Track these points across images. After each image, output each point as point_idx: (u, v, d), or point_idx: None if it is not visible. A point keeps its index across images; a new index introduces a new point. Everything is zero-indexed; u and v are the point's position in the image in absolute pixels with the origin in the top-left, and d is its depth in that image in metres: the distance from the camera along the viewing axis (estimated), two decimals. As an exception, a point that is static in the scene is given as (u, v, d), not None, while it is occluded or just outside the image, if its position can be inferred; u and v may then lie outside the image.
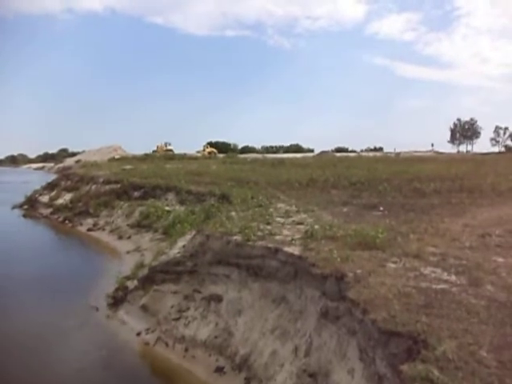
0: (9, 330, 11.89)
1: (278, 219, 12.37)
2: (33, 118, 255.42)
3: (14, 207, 36.75)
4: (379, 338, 5.41)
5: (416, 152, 64.02)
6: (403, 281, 6.57)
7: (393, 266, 7.42)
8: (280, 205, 15.09)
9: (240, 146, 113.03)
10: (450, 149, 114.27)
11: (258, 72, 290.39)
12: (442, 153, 68.79)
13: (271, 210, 14.00)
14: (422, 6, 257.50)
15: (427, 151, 68.89)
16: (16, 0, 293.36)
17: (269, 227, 11.20)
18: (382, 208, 13.57)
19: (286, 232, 10.65)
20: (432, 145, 78.17)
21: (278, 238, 10.16)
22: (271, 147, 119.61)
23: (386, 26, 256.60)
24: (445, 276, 6.80)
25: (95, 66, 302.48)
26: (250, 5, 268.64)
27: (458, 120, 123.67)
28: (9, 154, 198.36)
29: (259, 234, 10.52)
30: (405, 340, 4.98)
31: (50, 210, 33.49)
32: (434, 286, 6.32)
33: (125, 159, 60.65)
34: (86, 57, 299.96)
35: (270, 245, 9.63)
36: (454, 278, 6.70)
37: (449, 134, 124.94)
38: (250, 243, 10.09)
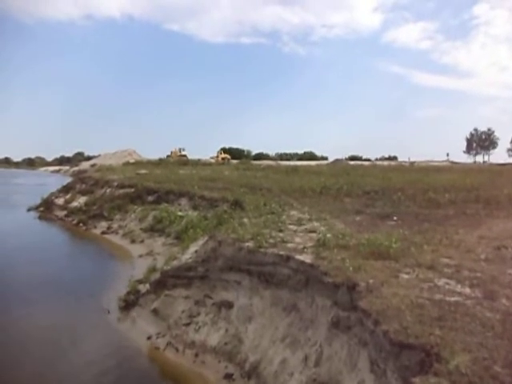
0: (20, 332, 12.01)
1: (291, 227, 12.34)
2: (50, 121, 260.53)
3: (29, 209, 37.34)
4: (391, 350, 5.34)
5: (431, 162, 63.47)
6: (416, 292, 6.49)
7: (406, 276, 7.33)
8: (293, 212, 15.05)
9: (254, 153, 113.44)
10: (466, 159, 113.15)
11: (273, 79, 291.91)
12: (457, 163, 68.02)
13: (284, 217, 13.97)
14: (438, 15, 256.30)
15: (443, 161, 68.23)
16: (37, 6, 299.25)
17: (281, 234, 11.17)
18: (395, 218, 13.44)
19: (298, 240, 10.62)
20: (447, 155, 77.69)
21: (290, 245, 10.13)
22: (285, 154, 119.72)
23: (403, 34, 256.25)
24: (459, 288, 6.70)
25: (113, 71, 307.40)
26: (266, 13, 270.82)
27: (475, 130, 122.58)
28: (26, 156, 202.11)
29: (271, 241, 10.51)
30: (417, 352, 4.91)
31: (64, 213, 33.90)
32: (447, 298, 6.22)
33: (139, 164, 61.32)
34: (104, 63, 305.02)
35: (281, 252, 9.60)
36: (468, 290, 6.60)
37: (465, 144, 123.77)
38: (261, 250, 10.07)
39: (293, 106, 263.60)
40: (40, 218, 34.45)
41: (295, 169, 38.83)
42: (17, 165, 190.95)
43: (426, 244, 9.40)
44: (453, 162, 67.91)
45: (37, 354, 10.75)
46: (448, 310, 5.80)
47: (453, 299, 6.20)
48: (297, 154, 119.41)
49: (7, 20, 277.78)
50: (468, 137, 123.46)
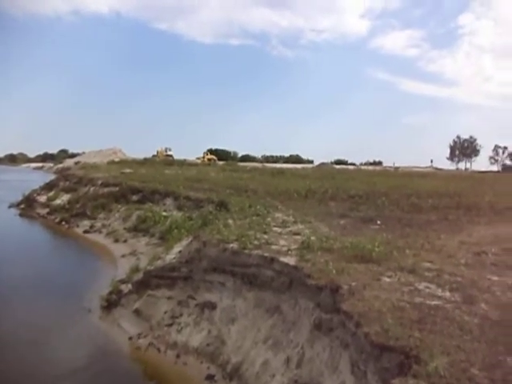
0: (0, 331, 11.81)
1: (275, 229, 12.38)
2: (34, 117, 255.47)
3: (10, 206, 36.69)
4: (372, 352, 5.40)
5: (415, 167, 64.34)
6: (397, 295, 6.58)
7: (388, 280, 7.43)
8: (278, 214, 15.11)
9: (240, 155, 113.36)
10: (449, 166, 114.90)
11: (260, 82, 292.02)
12: (441, 169, 69.10)
13: (269, 219, 14.02)
14: (425, 23, 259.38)
15: (426, 167, 69.23)
16: (28, 0, 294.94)
17: (265, 236, 11.21)
18: (379, 222, 13.61)
19: (282, 242, 10.67)
20: (431, 161, 78.65)
21: (274, 247, 10.17)
22: (271, 157, 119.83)
23: (390, 41, 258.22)
24: (439, 292, 6.82)
25: (99, 69, 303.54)
26: (255, 15, 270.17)
27: (458, 137, 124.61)
28: (8, 152, 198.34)
29: (256, 242, 10.53)
30: (397, 354, 4.98)
31: (47, 210, 33.41)
32: (427, 302, 6.33)
33: (124, 162, 60.66)
34: (91, 60, 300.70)
35: (266, 254, 9.64)
36: (448, 294, 6.72)
37: (448, 150, 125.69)
38: (246, 251, 10.09)
39: (280, 108, 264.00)
40: (21, 215, 33.86)
41: (281, 171, 38.95)
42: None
43: (408, 248, 9.54)
44: (436, 169, 68.95)
45: (16, 352, 10.56)
46: (428, 313, 5.90)
47: (433, 303, 6.30)
48: (283, 157, 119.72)
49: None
50: (451, 144, 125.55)
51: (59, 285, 16.19)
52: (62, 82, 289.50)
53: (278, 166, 59.16)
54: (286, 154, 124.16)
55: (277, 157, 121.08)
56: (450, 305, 6.25)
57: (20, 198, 37.87)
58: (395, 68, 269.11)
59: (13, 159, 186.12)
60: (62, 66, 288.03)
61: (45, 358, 10.49)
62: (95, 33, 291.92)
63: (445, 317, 5.77)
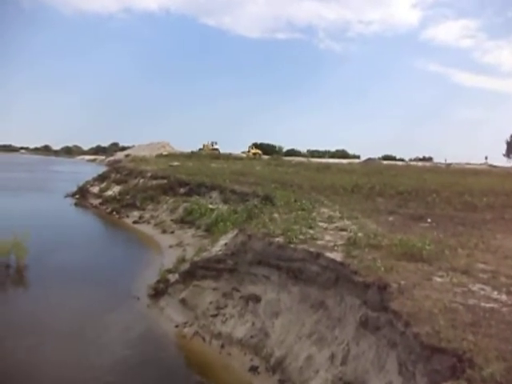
0: (53, 315, 12.47)
1: (321, 224, 12.26)
2: (88, 112, 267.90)
3: (66, 196, 38.67)
4: (421, 353, 5.24)
5: (468, 164, 61.50)
6: (450, 296, 6.34)
7: (439, 280, 7.18)
8: (323, 210, 14.95)
9: (285, 149, 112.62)
10: (506, 163, 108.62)
11: (307, 75, 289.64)
12: (496, 166, 65.59)
13: (314, 214, 13.90)
14: (481, 12, 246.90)
15: (480, 164, 65.95)
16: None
17: (311, 231, 11.13)
18: (429, 220, 13.13)
19: (328, 237, 10.55)
20: (486, 157, 74.26)
21: (320, 242, 10.08)
22: (317, 151, 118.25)
23: (443, 32, 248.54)
24: (495, 295, 6.51)
25: (148, 64, 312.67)
26: (302, 8, 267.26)
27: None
28: (64, 145, 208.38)
29: (301, 237, 10.48)
30: (449, 357, 4.81)
31: (99, 201, 34.90)
32: (482, 304, 6.06)
33: (172, 156, 62.14)
34: (141, 56, 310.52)
35: (311, 249, 9.57)
36: (504, 297, 6.40)
37: (505, 147, 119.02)
38: (291, 246, 10.07)
39: (326, 102, 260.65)
40: (76, 204, 35.63)
41: (327, 166, 38.46)
42: (55, 153, 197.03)
43: (461, 248, 9.16)
44: (491, 166, 65.51)
45: (65, 340, 11.08)
46: (482, 316, 5.65)
47: (488, 305, 6.03)
48: (328, 152, 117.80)
49: (48, 11, 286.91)
50: (508, 140, 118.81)
51: (110, 272, 16.92)
52: (113, 78, 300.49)
53: (323, 160, 58.43)
54: (332, 149, 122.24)
55: (322, 151, 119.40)
56: (506, 308, 5.95)
57: (75, 188, 39.80)
58: (448, 60, 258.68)
59: (68, 151, 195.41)
60: (114, 62, 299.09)
61: (95, 344, 10.95)
62: (145, 29, 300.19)
63: (501, 320, 5.51)
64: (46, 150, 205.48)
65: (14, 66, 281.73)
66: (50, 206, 35.19)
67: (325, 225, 12.18)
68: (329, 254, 9.06)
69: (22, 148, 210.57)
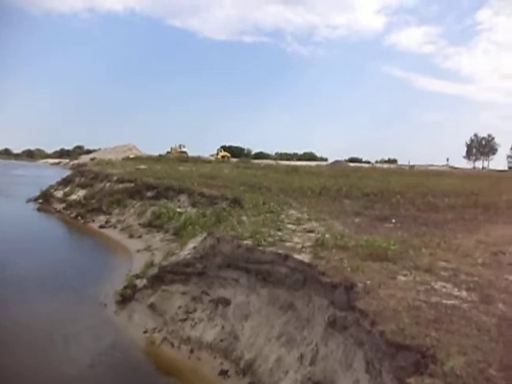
0: (16, 324, 11.99)
1: (289, 226, 12.37)
2: (51, 114, 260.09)
3: (28, 201, 37.29)
4: (387, 350, 5.38)
5: (431, 166, 63.58)
6: (413, 294, 6.53)
7: (403, 278, 7.38)
8: (292, 212, 15.09)
9: (254, 152, 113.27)
10: (466, 164, 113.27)
11: (274, 78, 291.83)
12: (457, 168, 68.10)
13: (283, 216, 14.01)
14: (442, 19, 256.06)
15: (442, 165, 68.30)
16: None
17: (280, 233, 11.21)
18: (394, 220, 13.48)
19: (296, 239, 10.65)
20: (447, 159, 77.35)
21: (288, 244, 10.16)
22: (285, 154, 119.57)
23: (405, 38, 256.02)
24: (456, 292, 6.74)
25: (114, 66, 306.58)
26: (269, 12, 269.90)
27: (475, 135, 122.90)
28: (26, 148, 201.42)
29: (270, 239, 10.54)
30: (413, 354, 4.95)
31: (63, 205, 33.89)
32: (444, 301, 6.27)
33: (139, 159, 61.27)
34: (106, 57, 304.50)
35: (280, 251, 9.63)
36: (465, 294, 6.64)
37: (465, 149, 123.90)
38: (260, 248, 10.10)
39: (294, 105, 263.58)
40: (39, 209, 34.38)
41: (295, 169, 38.84)
42: (16, 156, 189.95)
43: (424, 247, 9.45)
44: (452, 167, 67.97)
45: (29, 349, 10.73)
46: (444, 312, 5.84)
47: (449, 302, 6.24)
48: (296, 154, 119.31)
49: (12, 10, 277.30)
50: (468, 142, 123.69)
51: (75, 279, 16.41)
52: (77, 79, 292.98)
53: (291, 163, 58.99)
54: (300, 152, 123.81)
55: (290, 154, 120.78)
56: (466, 304, 6.18)
57: (37, 193, 38.48)
58: (411, 65, 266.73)
59: (30, 155, 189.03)
60: (78, 62, 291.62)
61: (59, 351, 10.63)
62: (110, 30, 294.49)
63: (462, 316, 5.72)
64: (6, 153, 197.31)
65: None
66: (10, 212, 33.90)
67: (293, 227, 12.29)
68: (297, 256, 9.14)
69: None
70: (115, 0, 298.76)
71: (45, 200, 37.12)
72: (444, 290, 6.83)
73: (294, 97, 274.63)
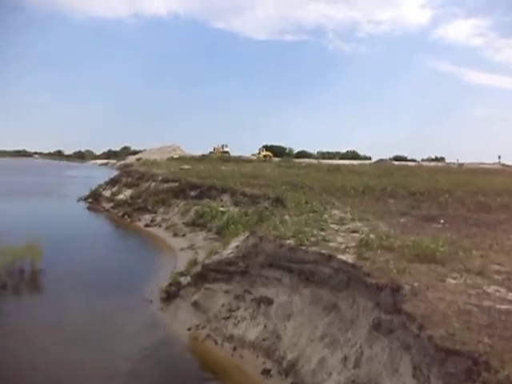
0: (65, 318, 12.56)
1: (333, 226, 12.22)
2: (100, 117, 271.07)
3: (79, 200, 39.03)
4: (436, 356, 5.19)
5: (481, 164, 60.80)
6: (464, 298, 6.27)
7: (453, 281, 7.09)
8: (335, 211, 14.89)
9: (296, 151, 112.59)
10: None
11: (316, 76, 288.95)
12: (509, 166, 64.64)
13: (325, 216, 13.85)
14: (490, 11, 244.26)
15: (493, 163, 65.07)
16: (87, 4, 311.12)
17: (323, 233, 11.09)
18: (442, 220, 12.99)
19: (340, 239, 10.51)
20: (499, 157, 73.22)
21: (331, 244, 10.04)
22: (327, 153, 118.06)
23: (452, 31, 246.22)
24: (510, 296, 6.41)
25: (159, 68, 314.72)
26: (310, 9, 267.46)
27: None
28: (77, 149, 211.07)
29: (313, 239, 10.45)
30: (464, 360, 4.75)
31: (111, 205, 35.17)
32: (497, 306, 5.97)
33: (183, 159, 62.58)
34: (151, 60, 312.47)
35: (323, 251, 9.53)
36: (520, 299, 6.30)
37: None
38: (303, 248, 10.04)
39: (336, 103, 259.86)
40: (89, 208, 35.99)
41: (337, 168, 38.36)
42: (68, 157, 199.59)
43: (475, 249, 9.04)
44: (505, 165, 64.61)
45: (79, 339, 11.21)
46: (498, 318, 5.57)
47: (503, 307, 5.94)
48: (339, 153, 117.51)
49: (58, 17, 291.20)
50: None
51: (122, 276, 17.04)
52: (123, 82, 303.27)
53: (334, 162, 58.22)
54: (343, 150, 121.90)
55: (333, 153, 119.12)
56: (522, 310, 5.85)
57: (87, 192, 40.20)
58: (459, 59, 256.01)
59: (81, 156, 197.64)
60: (124, 66, 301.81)
61: (109, 347, 11.01)
62: (154, 34, 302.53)
63: (517, 323, 5.42)
64: (58, 154, 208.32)
65: (28, 73, 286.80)
66: (64, 210, 35.64)
67: (336, 227, 12.13)
68: (341, 256, 9.01)
69: (35, 153, 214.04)
70: (159, 4, 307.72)
71: (94, 199, 38.70)
72: (497, 294, 6.50)
73: (336, 94, 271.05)
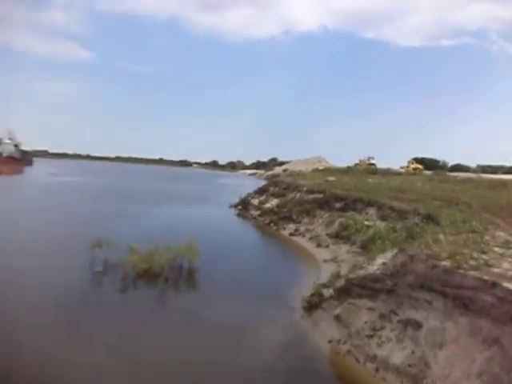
0: (218, 315, 13.56)
1: (496, 249, 10.88)
2: (251, 129, 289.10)
3: (230, 206, 42.38)
4: None
5: None
6: None
7: None
8: (499, 233, 13.23)
9: (450, 164, 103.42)
10: None
11: (474, 81, 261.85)
12: None
13: (487, 237, 12.40)
14: None
15: None
16: (243, 26, 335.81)
17: (484, 257, 9.96)
18: None
19: (505, 265, 9.31)
20: None
21: (495, 270, 8.96)
22: (489, 166, 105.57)
23: None
24: None
25: (307, 83, 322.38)
26: (471, 11, 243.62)
27: None
28: (229, 160, 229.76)
29: (472, 262, 9.46)
30: None
31: (258, 212, 37.16)
32: None
33: (328, 171, 62.76)
34: (299, 74, 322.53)
35: (485, 277, 8.55)
36: None
37: None
38: (460, 271, 9.15)
39: (498, 110, 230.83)
40: (238, 215, 38.80)
41: (502, 183, 33.89)
42: (222, 167, 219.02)
43: None
44: None
45: (220, 339, 11.96)
46: None
47: None
48: (503, 167, 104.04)
49: (218, 41, 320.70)
50: None
51: (268, 280, 17.85)
52: (273, 97, 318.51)
53: (497, 176, 51.73)
54: (508, 164, 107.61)
55: (496, 166, 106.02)
56: None
57: (237, 200, 43.29)
58: None
59: (233, 166, 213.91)
60: (273, 82, 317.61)
61: (252, 347, 11.59)
62: (304, 48, 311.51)
63: None
64: (213, 164, 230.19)
65: (195, 96, 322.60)
66: (217, 216, 39.07)
67: (501, 250, 10.77)
68: (507, 284, 7.98)
69: (194, 163, 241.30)
70: (309, 20, 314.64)
71: (243, 207, 41.48)
72: None
73: (498, 100, 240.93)
